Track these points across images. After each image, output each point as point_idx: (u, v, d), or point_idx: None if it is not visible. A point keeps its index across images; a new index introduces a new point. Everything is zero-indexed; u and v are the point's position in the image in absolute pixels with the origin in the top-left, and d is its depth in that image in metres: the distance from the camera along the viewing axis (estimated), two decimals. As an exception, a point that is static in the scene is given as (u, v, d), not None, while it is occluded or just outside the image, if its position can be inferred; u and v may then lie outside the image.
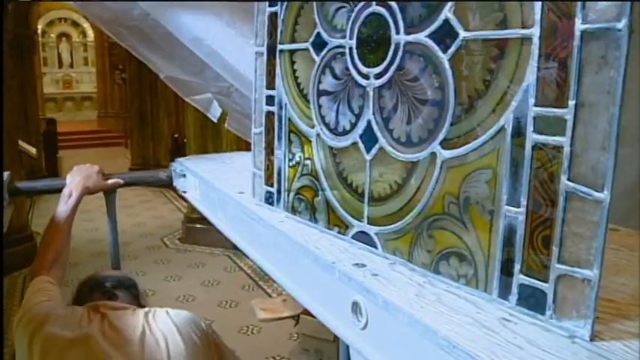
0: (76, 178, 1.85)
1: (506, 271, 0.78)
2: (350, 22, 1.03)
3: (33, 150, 9.18)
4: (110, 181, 1.95)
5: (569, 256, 0.70)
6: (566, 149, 0.68)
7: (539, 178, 0.72)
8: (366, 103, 1.00)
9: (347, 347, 1.08)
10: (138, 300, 1.69)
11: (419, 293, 0.84)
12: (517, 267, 0.76)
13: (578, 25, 0.66)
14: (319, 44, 1.11)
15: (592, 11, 0.65)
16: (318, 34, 1.11)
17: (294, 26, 1.18)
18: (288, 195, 1.24)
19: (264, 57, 1.27)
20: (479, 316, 0.76)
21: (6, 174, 1.78)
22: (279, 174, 1.26)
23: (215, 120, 2.51)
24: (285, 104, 1.22)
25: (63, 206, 1.78)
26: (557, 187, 0.70)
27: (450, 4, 0.82)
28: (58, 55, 18.89)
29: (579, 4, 0.66)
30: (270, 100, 1.27)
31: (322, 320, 1.02)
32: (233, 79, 2.16)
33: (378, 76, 0.97)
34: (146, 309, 1.58)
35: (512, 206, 0.76)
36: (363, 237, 1.04)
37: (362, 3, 0.99)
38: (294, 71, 1.19)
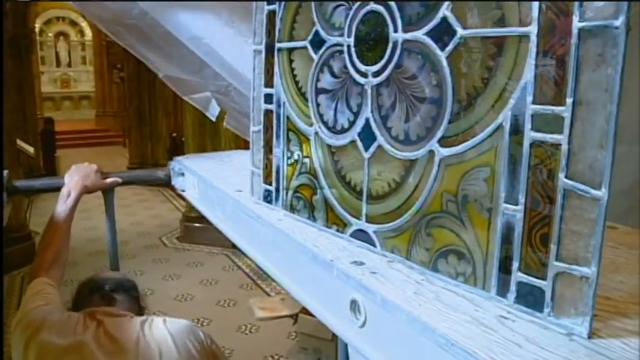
0: (74, 178, 1.85)
1: (505, 268, 0.78)
2: (348, 20, 1.03)
3: (31, 149, 9.16)
4: (108, 180, 1.95)
5: (567, 253, 0.70)
6: (564, 147, 0.69)
7: (537, 176, 0.72)
8: (365, 101, 1.00)
9: (345, 345, 1.08)
10: (138, 302, 1.68)
11: (417, 291, 0.84)
12: (515, 265, 0.76)
13: (576, 23, 0.66)
14: (317, 42, 1.11)
15: (589, 9, 0.65)
16: (317, 32, 1.11)
17: (293, 24, 1.18)
18: (287, 193, 1.24)
19: (263, 55, 1.27)
20: (477, 314, 0.76)
21: (4, 173, 1.78)
22: (277, 172, 1.26)
23: (214, 119, 2.51)
24: (284, 102, 1.22)
25: (62, 206, 1.77)
26: (555, 184, 0.70)
27: (447, 2, 0.83)
28: (56, 54, 18.86)
29: (577, 2, 0.66)
30: (268, 98, 1.27)
31: (321, 318, 1.02)
32: (232, 77, 2.16)
33: (376, 74, 0.97)
34: (143, 317, 1.57)
35: (511, 204, 0.76)
36: (361, 235, 1.04)
37: (360, 1, 0.99)
38: (293, 69, 1.19)
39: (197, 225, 6.40)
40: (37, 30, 15.38)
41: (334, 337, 3.28)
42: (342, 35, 1.05)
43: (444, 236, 0.87)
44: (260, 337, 4.49)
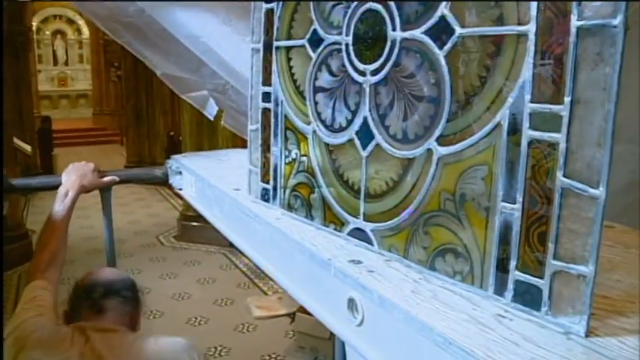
0: (71, 177, 1.84)
1: (502, 267, 0.78)
2: (346, 19, 1.02)
3: (28, 147, 9.14)
4: (106, 179, 1.95)
5: (564, 252, 0.70)
6: (562, 146, 0.69)
7: (534, 175, 0.72)
8: (362, 99, 1.00)
9: (343, 344, 1.08)
10: (132, 302, 1.65)
11: (415, 290, 0.84)
12: (513, 263, 0.76)
13: (574, 22, 0.66)
14: (315, 41, 1.11)
15: (588, 8, 0.65)
16: (315, 30, 1.11)
17: (291, 23, 1.18)
18: (284, 192, 1.24)
19: (261, 54, 1.27)
20: (474, 313, 0.76)
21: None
22: (275, 171, 1.26)
23: (211, 117, 2.50)
24: (282, 101, 1.22)
25: (59, 205, 1.77)
26: (553, 183, 0.70)
27: (446, 1, 0.82)
28: (53, 52, 18.79)
29: (575, 1, 0.66)
30: (266, 96, 1.27)
31: (318, 317, 1.02)
32: (229, 76, 2.15)
33: (375, 72, 0.97)
34: (134, 335, 1.55)
35: (508, 203, 0.76)
36: (359, 234, 1.04)
37: (358, 0, 0.99)
38: (291, 68, 1.19)
39: (194, 224, 6.39)
40: (34, 28, 15.35)
41: (332, 335, 3.28)
42: (340, 34, 1.04)
43: (442, 235, 0.87)
44: (257, 336, 4.49)
